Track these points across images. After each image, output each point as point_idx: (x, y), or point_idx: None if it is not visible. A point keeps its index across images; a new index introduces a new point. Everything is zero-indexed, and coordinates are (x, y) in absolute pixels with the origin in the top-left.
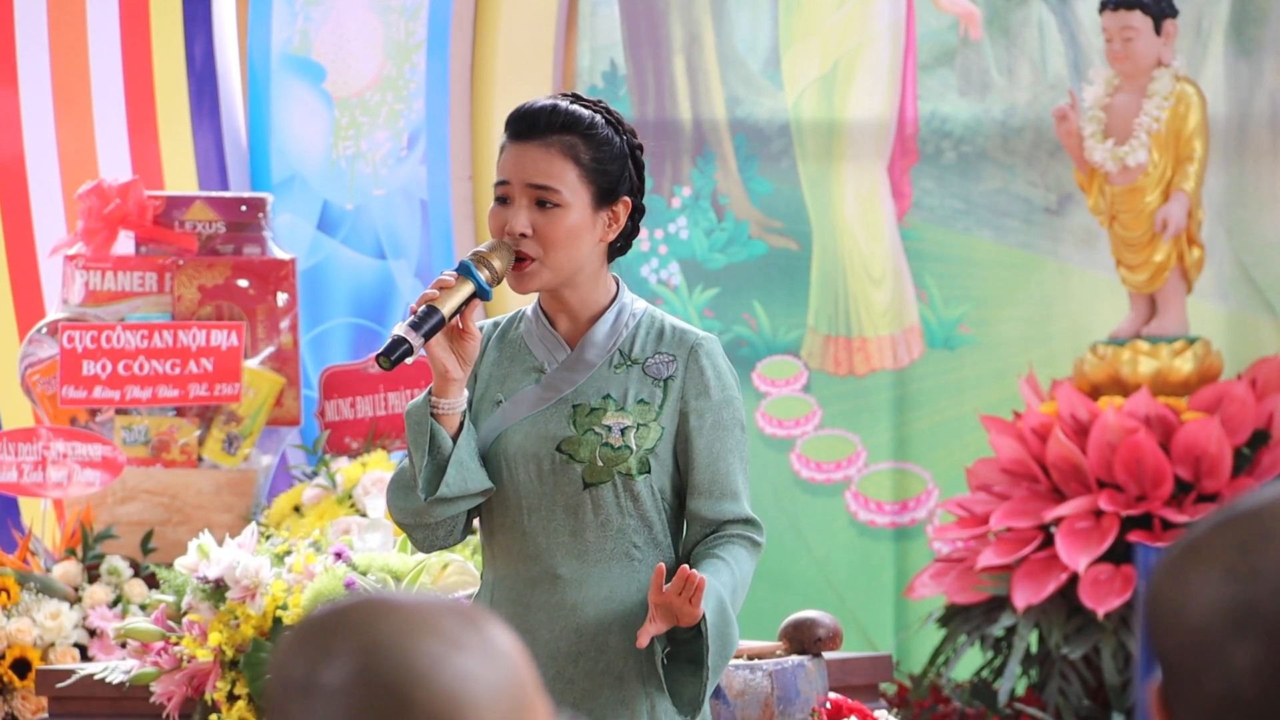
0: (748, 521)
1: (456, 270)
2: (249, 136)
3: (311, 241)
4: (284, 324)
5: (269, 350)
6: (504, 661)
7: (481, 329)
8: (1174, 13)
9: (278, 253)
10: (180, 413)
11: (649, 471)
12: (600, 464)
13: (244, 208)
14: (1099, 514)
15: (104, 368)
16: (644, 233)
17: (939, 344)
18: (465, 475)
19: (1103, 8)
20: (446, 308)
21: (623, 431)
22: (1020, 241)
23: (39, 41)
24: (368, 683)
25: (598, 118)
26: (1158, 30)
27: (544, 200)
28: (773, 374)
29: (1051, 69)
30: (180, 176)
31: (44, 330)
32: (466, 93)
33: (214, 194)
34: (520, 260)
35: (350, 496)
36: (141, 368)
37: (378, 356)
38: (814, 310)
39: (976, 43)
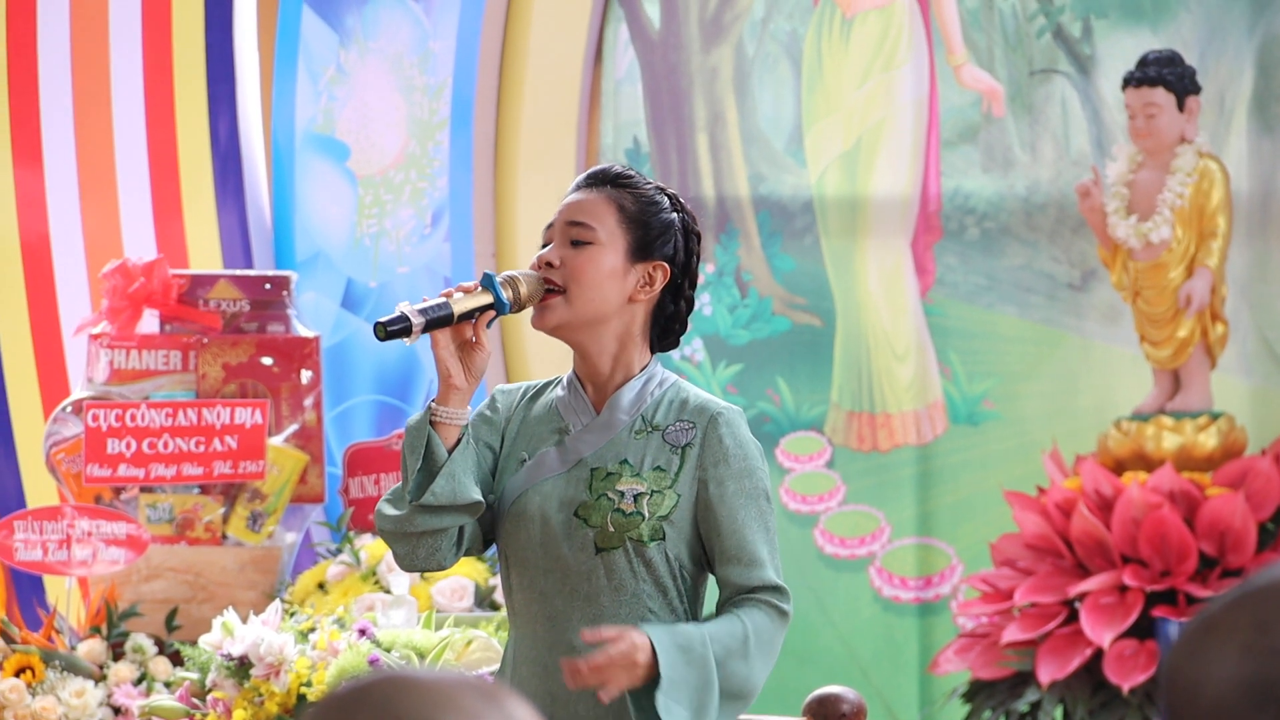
0: (776, 589)
1: (481, 281)
2: (273, 215)
3: (335, 319)
4: (308, 401)
5: (293, 428)
6: None
7: (519, 388)
8: (1197, 89)
9: (302, 330)
10: (205, 490)
11: (663, 538)
12: (611, 529)
13: (268, 286)
14: (1123, 589)
15: (128, 446)
16: None
17: (962, 419)
18: (455, 486)
19: (1126, 84)
20: (459, 308)
21: (635, 498)
22: (1044, 317)
23: (64, 121)
24: None
25: (650, 186)
26: (1181, 107)
27: (579, 239)
28: (796, 450)
29: (1074, 145)
30: (205, 255)
31: (69, 409)
32: (490, 170)
33: (238, 272)
34: (549, 293)
35: (374, 573)
36: (166, 446)
37: (376, 324)
38: (837, 386)
39: (999, 119)
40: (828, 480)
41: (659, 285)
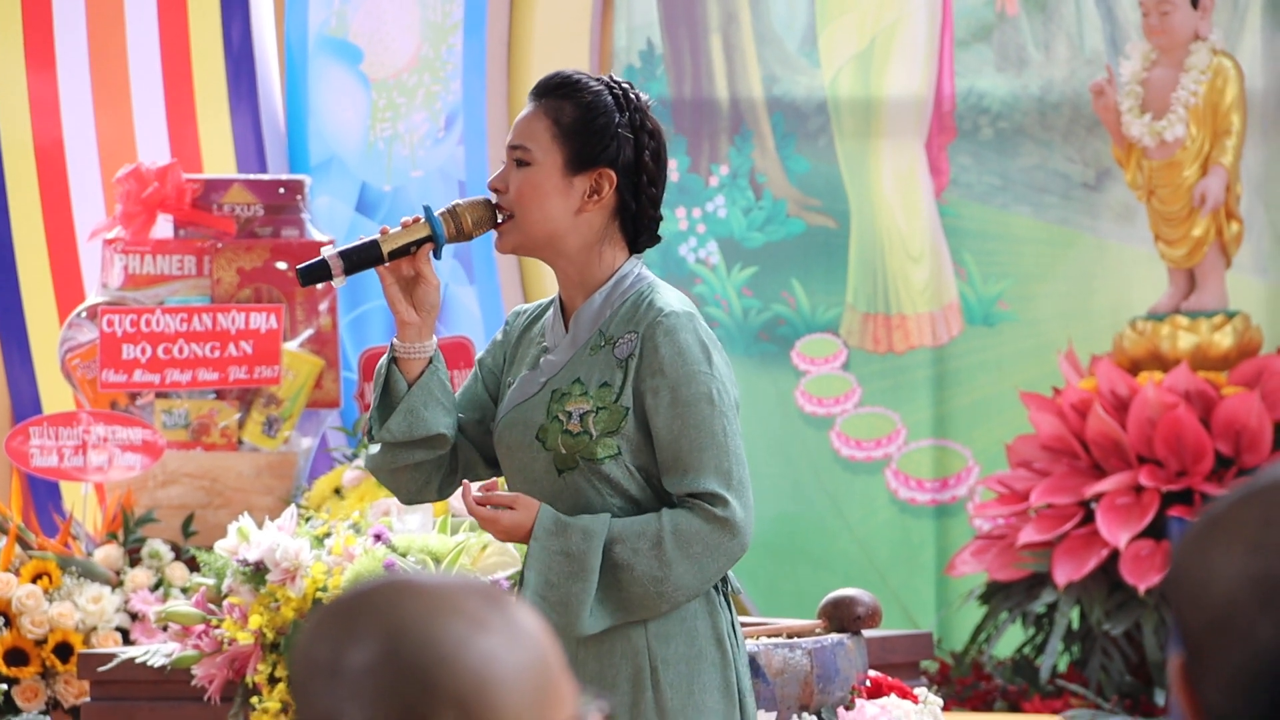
0: (711, 495)
1: (422, 214)
2: (287, 119)
3: (350, 223)
4: (323, 306)
5: (308, 333)
6: (528, 641)
7: (527, 309)
8: None
9: (316, 235)
10: (220, 396)
11: (617, 454)
12: (564, 451)
13: (282, 190)
14: (1139, 490)
15: (143, 351)
16: (681, 211)
17: (978, 321)
18: (412, 421)
19: None
20: (388, 246)
21: (581, 417)
22: (1058, 217)
23: (77, 27)
24: (392, 666)
25: (602, 89)
26: (1194, 4)
27: (520, 160)
28: (812, 352)
29: (1088, 44)
30: (218, 159)
31: (83, 314)
32: (503, 73)
33: (252, 177)
34: (503, 219)
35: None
36: (181, 351)
37: (296, 269)
38: (852, 288)
39: (1013, 18)
40: (843, 382)
41: (607, 192)
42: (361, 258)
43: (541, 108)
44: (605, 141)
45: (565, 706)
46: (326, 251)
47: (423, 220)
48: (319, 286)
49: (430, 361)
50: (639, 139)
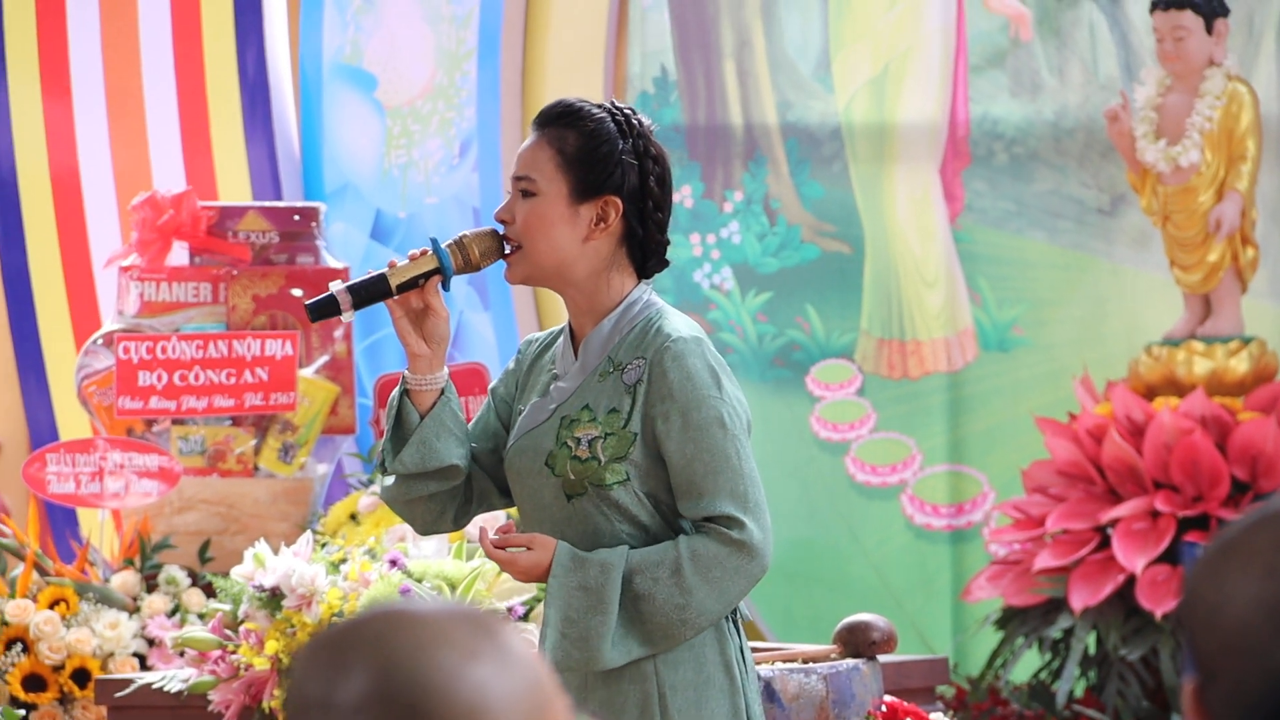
0: (727, 519)
1: (430, 246)
2: (301, 146)
3: (365, 250)
4: (338, 333)
5: (323, 359)
6: (520, 667)
7: (539, 338)
8: (1225, 12)
9: (331, 262)
10: (236, 422)
11: (626, 480)
12: (572, 477)
13: (297, 217)
14: (1155, 515)
15: (160, 378)
16: (696, 237)
17: (993, 346)
18: (424, 453)
19: (1154, 7)
20: (396, 280)
21: (590, 443)
22: (1073, 242)
23: (92, 54)
24: (384, 702)
25: (605, 117)
26: (1209, 30)
27: (525, 191)
28: (826, 378)
29: (1103, 69)
30: (234, 187)
31: (100, 341)
32: (518, 100)
33: (267, 204)
34: (510, 250)
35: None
36: (197, 378)
37: (305, 305)
38: (867, 314)
39: (1027, 44)
40: (858, 408)
41: (614, 219)
42: (370, 292)
43: (545, 137)
44: (609, 169)
45: None
46: (334, 287)
47: (430, 253)
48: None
49: (442, 393)
50: (643, 165)
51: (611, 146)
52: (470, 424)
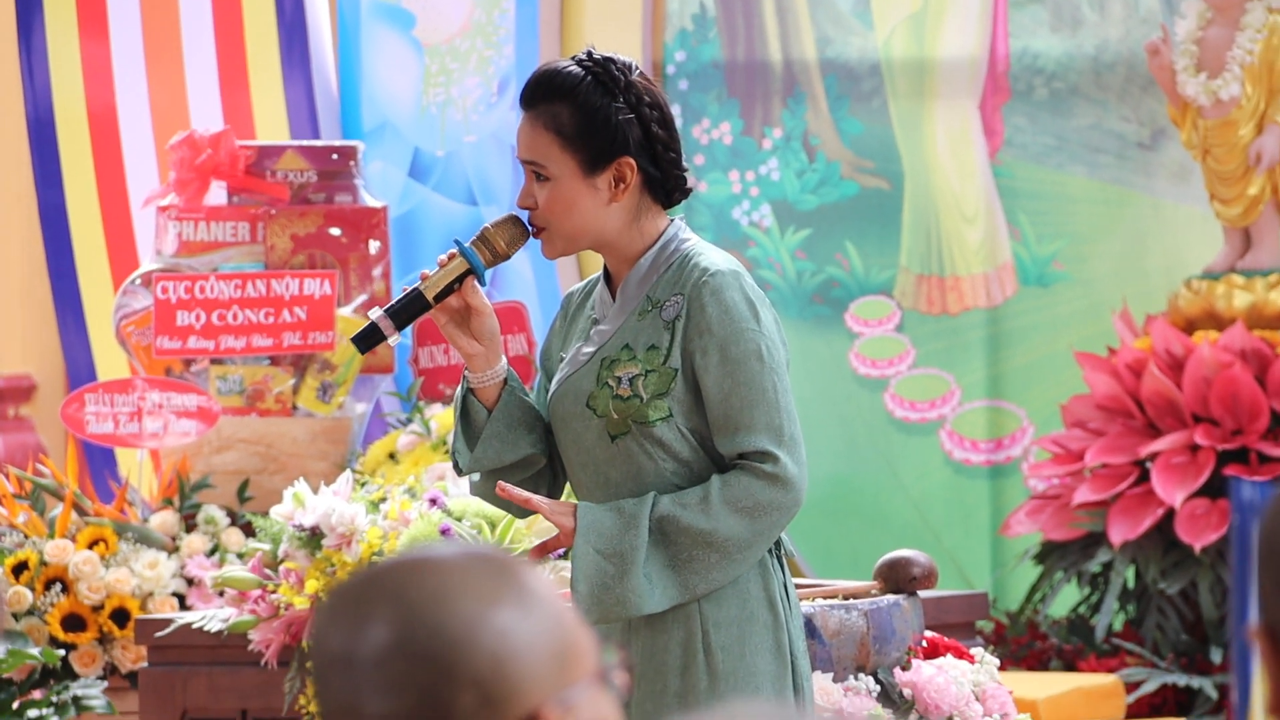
0: (761, 453)
1: (456, 248)
2: (339, 85)
3: (403, 189)
4: (376, 271)
5: (362, 298)
6: (542, 609)
7: (579, 288)
8: None
9: (369, 200)
10: (274, 362)
11: (669, 415)
12: (615, 416)
13: (335, 156)
14: (1195, 449)
15: (198, 318)
16: (735, 174)
17: (1032, 281)
18: (500, 448)
19: None
20: (431, 291)
21: (630, 381)
22: (1113, 177)
23: None
24: (406, 654)
25: (589, 78)
26: None
27: (538, 174)
28: (866, 314)
29: (1143, 3)
30: (271, 126)
31: (138, 281)
32: (556, 37)
33: (305, 143)
34: (537, 231)
35: (444, 442)
36: (235, 317)
37: (351, 339)
38: (906, 250)
39: None
40: (897, 344)
41: (632, 177)
42: (409, 311)
43: (538, 118)
44: (611, 134)
45: (585, 663)
46: (374, 314)
47: (458, 255)
48: (372, 253)
49: (505, 384)
50: (641, 115)
51: (606, 111)
52: (533, 396)
